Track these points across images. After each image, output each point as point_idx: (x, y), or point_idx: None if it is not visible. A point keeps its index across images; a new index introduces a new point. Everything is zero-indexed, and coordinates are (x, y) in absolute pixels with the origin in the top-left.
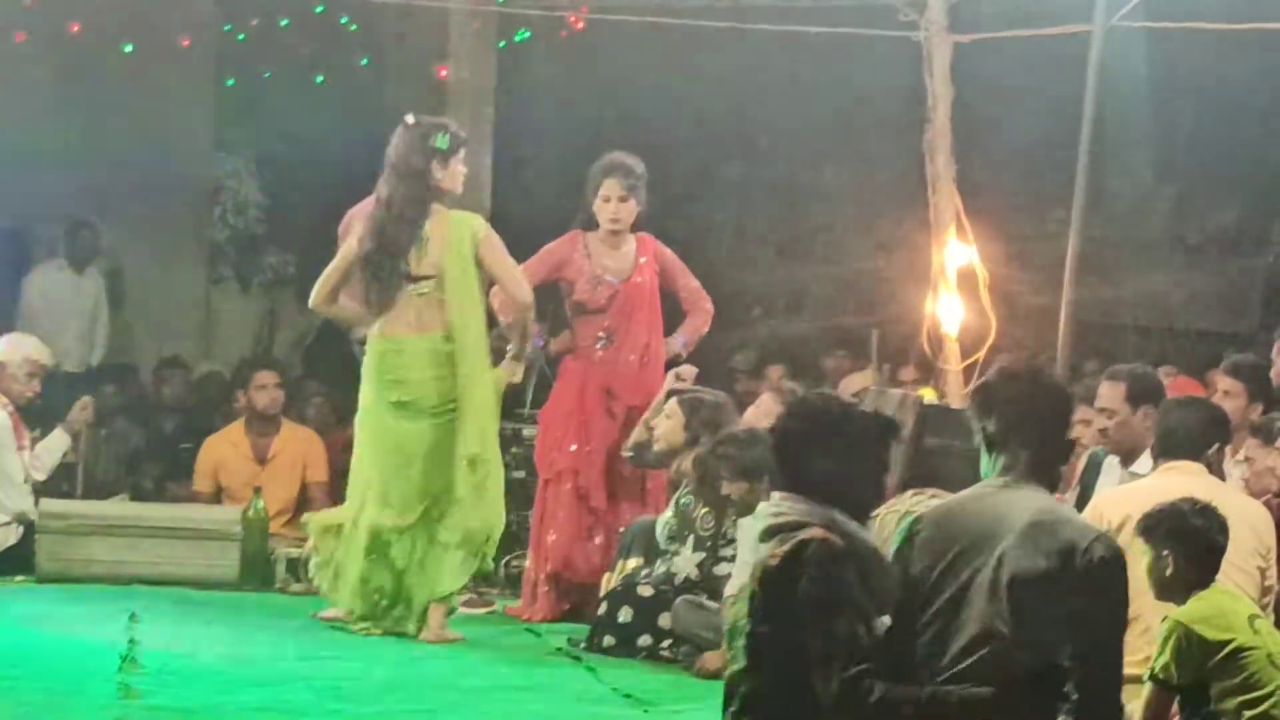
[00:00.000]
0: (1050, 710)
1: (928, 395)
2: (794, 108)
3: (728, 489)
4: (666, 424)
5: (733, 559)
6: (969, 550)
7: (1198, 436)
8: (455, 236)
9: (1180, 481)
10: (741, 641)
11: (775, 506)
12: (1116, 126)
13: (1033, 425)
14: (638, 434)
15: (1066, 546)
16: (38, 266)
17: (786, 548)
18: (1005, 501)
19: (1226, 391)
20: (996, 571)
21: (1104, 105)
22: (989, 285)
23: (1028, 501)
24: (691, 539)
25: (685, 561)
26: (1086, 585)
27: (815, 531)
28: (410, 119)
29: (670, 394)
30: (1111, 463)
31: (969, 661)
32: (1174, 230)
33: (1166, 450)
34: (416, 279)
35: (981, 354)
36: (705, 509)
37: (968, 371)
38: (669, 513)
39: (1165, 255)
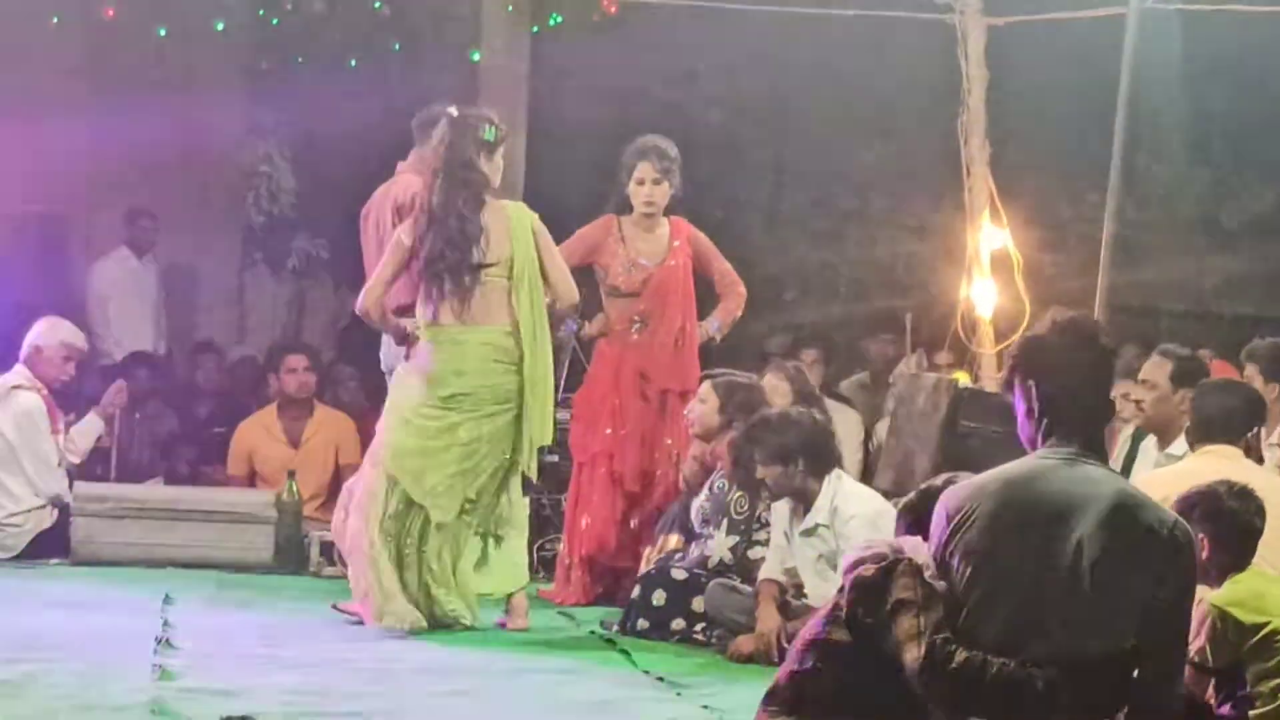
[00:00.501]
0: (1119, 694)
1: (962, 379)
2: (828, 91)
3: (761, 472)
4: (701, 408)
5: (766, 543)
6: (1042, 528)
7: (1235, 420)
8: (518, 227)
9: (1216, 464)
10: None
11: None
12: (1151, 109)
13: (1089, 392)
14: (689, 469)
15: (1149, 531)
16: (104, 257)
17: None
18: (1080, 479)
19: (1246, 378)
20: (1077, 553)
21: (1139, 88)
22: (1023, 269)
23: (1107, 483)
24: (725, 522)
25: (719, 545)
26: (1166, 569)
27: None
28: (454, 111)
29: (704, 378)
30: (1148, 445)
31: (1040, 640)
32: (1209, 213)
33: (1204, 434)
34: (483, 268)
35: (1015, 338)
36: (739, 492)
37: (1001, 355)
38: (703, 495)
39: (1201, 238)
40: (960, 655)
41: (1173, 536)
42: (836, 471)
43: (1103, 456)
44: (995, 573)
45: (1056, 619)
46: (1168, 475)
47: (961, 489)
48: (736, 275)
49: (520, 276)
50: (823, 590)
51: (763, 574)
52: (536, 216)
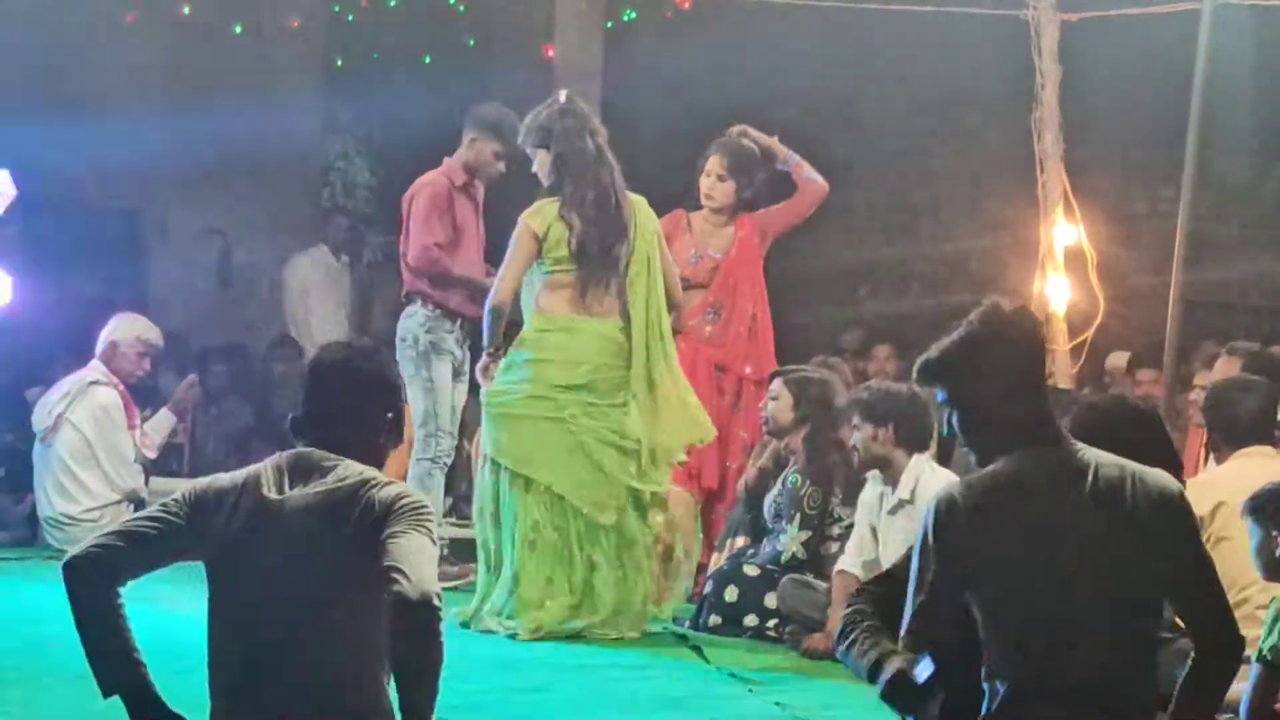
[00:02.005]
0: (1155, 665)
1: None
2: (901, 87)
3: (852, 435)
4: (775, 404)
5: (838, 538)
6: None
7: (1261, 419)
8: (644, 220)
9: (1265, 465)
10: None
11: None
12: (1225, 105)
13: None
14: (749, 476)
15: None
16: (302, 254)
17: None
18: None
19: None
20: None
21: (1213, 84)
22: (1097, 264)
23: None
24: (798, 517)
25: (792, 540)
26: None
27: None
28: (564, 97)
29: (773, 375)
30: None
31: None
32: None
33: (1233, 437)
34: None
35: (1089, 333)
36: (812, 487)
37: (1075, 351)
38: (775, 490)
39: (1276, 234)
40: None
41: (1165, 500)
42: (927, 456)
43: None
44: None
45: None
46: (1216, 478)
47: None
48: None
49: (639, 271)
50: None
51: (839, 566)
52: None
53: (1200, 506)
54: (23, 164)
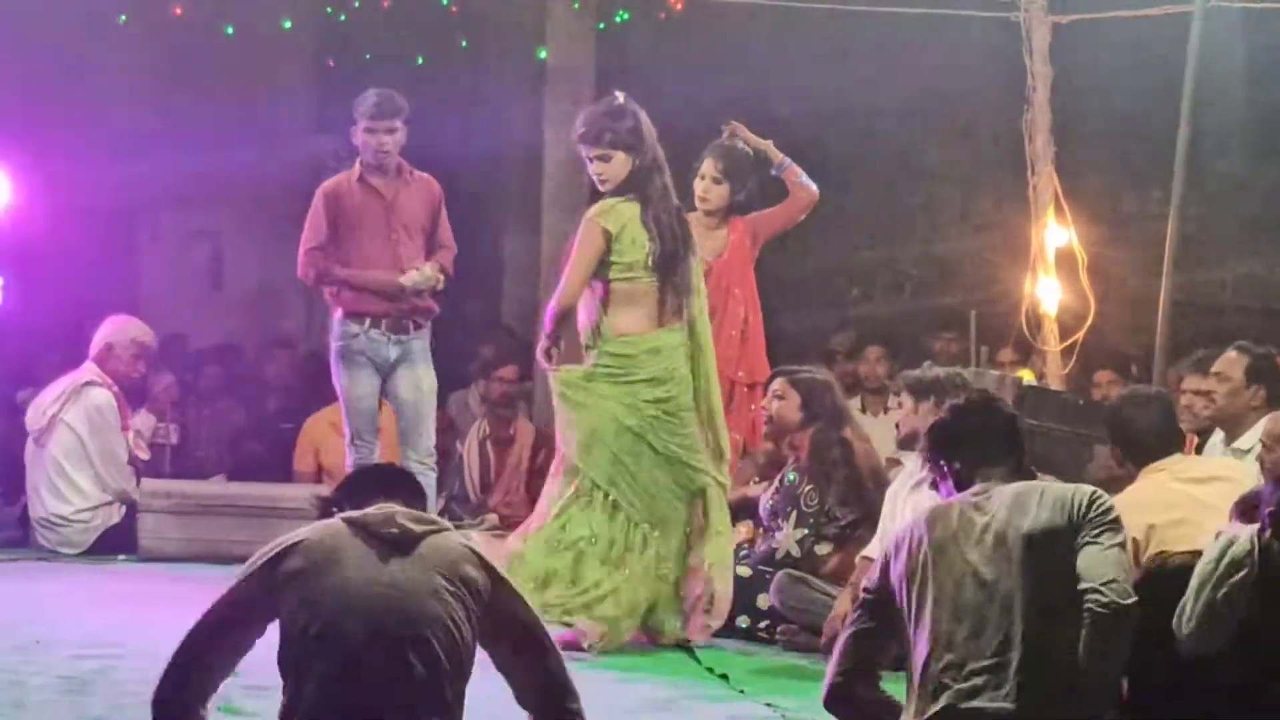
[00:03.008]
0: None
1: (1026, 377)
2: (892, 88)
3: (899, 404)
4: (781, 404)
5: (833, 538)
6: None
7: (1162, 433)
8: (691, 230)
9: (1176, 480)
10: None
11: None
12: (1216, 107)
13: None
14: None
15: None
16: None
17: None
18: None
19: None
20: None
21: (1203, 84)
22: (1088, 266)
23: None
24: (795, 515)
25: (787, 537)
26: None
27: None
28: (623, 98)
29: (774, 376)
30: (1215, 441)
31: None
32: (1275, 211)
33: (1139, 454)
34: None
35: (1080, 335)
36: (810, 485)
37: (1067, 352)
38: (771, 489)
39: (1266, 236)
40: None
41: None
42: None
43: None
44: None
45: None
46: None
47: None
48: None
49: (698, 281)
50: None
51: (863, 552)
52: None
53: (1134, 529)
54: (14, 165)
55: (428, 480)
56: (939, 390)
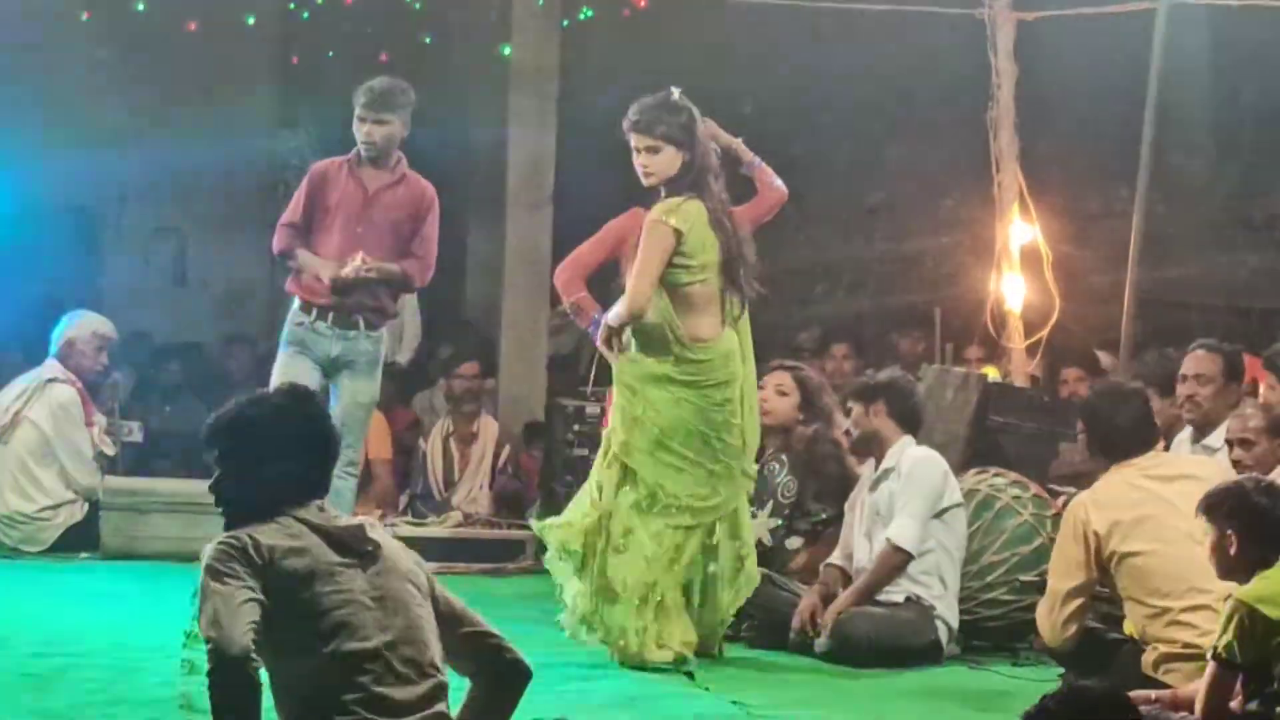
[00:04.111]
0: None
1: (991, 374)
2: (858, 85)
3: (849, 409)
4: (784, 400)
5: (804, 533)
6: None
7: (1138, 430)
8: None
9: (1145, 479)
10: None
11: None
12: (1180, 104)
13: None
14: None
15: None
16: None
17: None
18: None
19: (1271, 386)
20: None
21: (1168, 82)
22: (1053, 263)
23: None
24: (770, 504)
25: (760, 524)
26: None
27: None
28: (678, 94)
29: (774, 368)
30: (1182, 438)
31: None
32: (1238, 208)
33: (1113, 449)
34: None
35: (1045, 332)
36: (789, 478)
37: (1031, 349)
38: None
39: (1230, 233)
40: None
41: None
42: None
43: None
44: None
45: None
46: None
47: None
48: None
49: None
50: (866, 552)
51: (829, 561)
52: None
53: (1095, 523)
54: None
55: (347, 485)
56: (888, 391)
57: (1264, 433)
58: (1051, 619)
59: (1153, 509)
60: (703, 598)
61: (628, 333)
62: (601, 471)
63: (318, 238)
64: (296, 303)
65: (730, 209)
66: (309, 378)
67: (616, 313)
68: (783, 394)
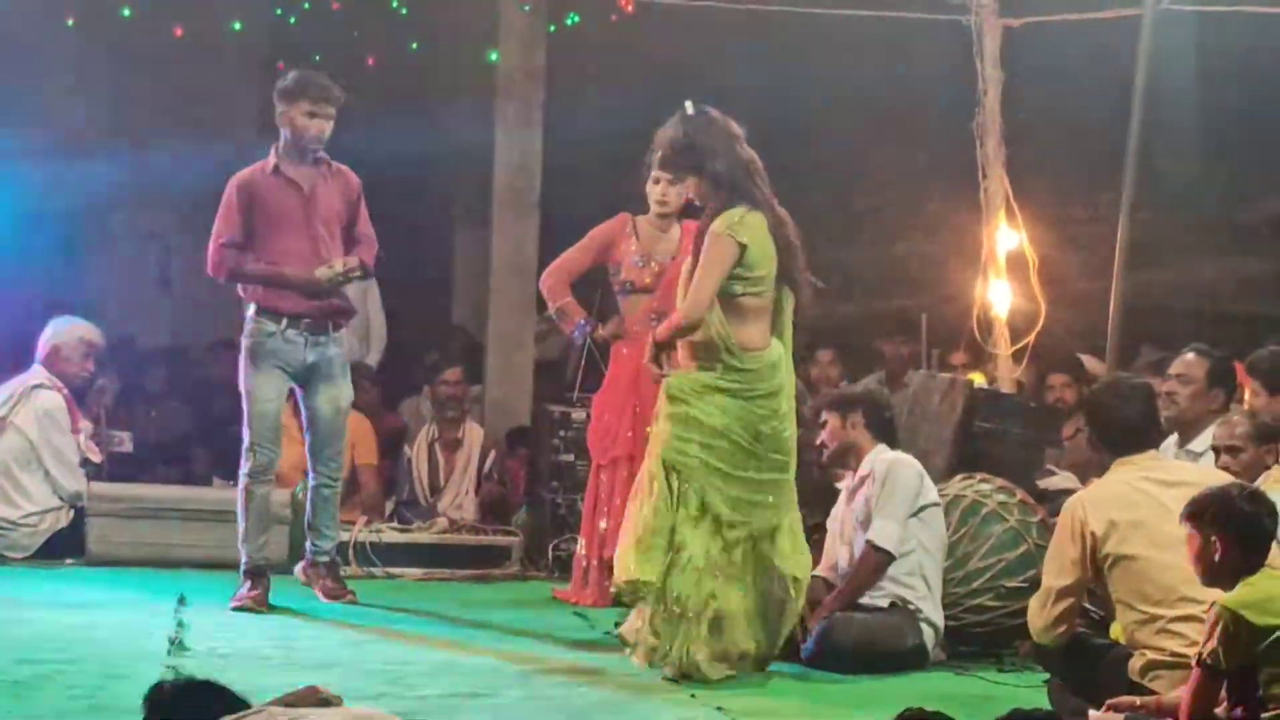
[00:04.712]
0: None
1: (977, 379)
2: (844, 91)
3: (823, 422)
4: None
5: None
6: None
7: (1142, 426)
8: None
9: (1148, 477)
10: None
11: None
12: (1167, 110)
13: None
14: None
15: None
16: None
17: None
18: None
19: (1256, 393)
20: None
21: (1154, 88)
22: (1039, 269)
23: None
24: None
25: None
26: None
27: None
28: (691, 107)
29: None
30: (1168, 443)
31: None
32: (1225, 214)
33: (1116, 444)
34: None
35: (1031, 338)
36: None
37: (1017, 355)
38: None
39: (1217, 239)
40: None
41: None
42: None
43: None
44: None
45: None
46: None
47: None
48: None
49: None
50: (847, 560)
51: (814, 572)
52: None
53: (1093, 523)
54: None
55: (333, 491)
56: (865, 403)
57: (1250, 439)
58: (1043, 616)
59: (1149, 513)
60: (762, 614)
61: (679, 348)
62: (648, 496)
63: (269, 249)
64: (256, 311)
65: (781, 211)
66: (281, 389)
67: (671, 324)
68: None
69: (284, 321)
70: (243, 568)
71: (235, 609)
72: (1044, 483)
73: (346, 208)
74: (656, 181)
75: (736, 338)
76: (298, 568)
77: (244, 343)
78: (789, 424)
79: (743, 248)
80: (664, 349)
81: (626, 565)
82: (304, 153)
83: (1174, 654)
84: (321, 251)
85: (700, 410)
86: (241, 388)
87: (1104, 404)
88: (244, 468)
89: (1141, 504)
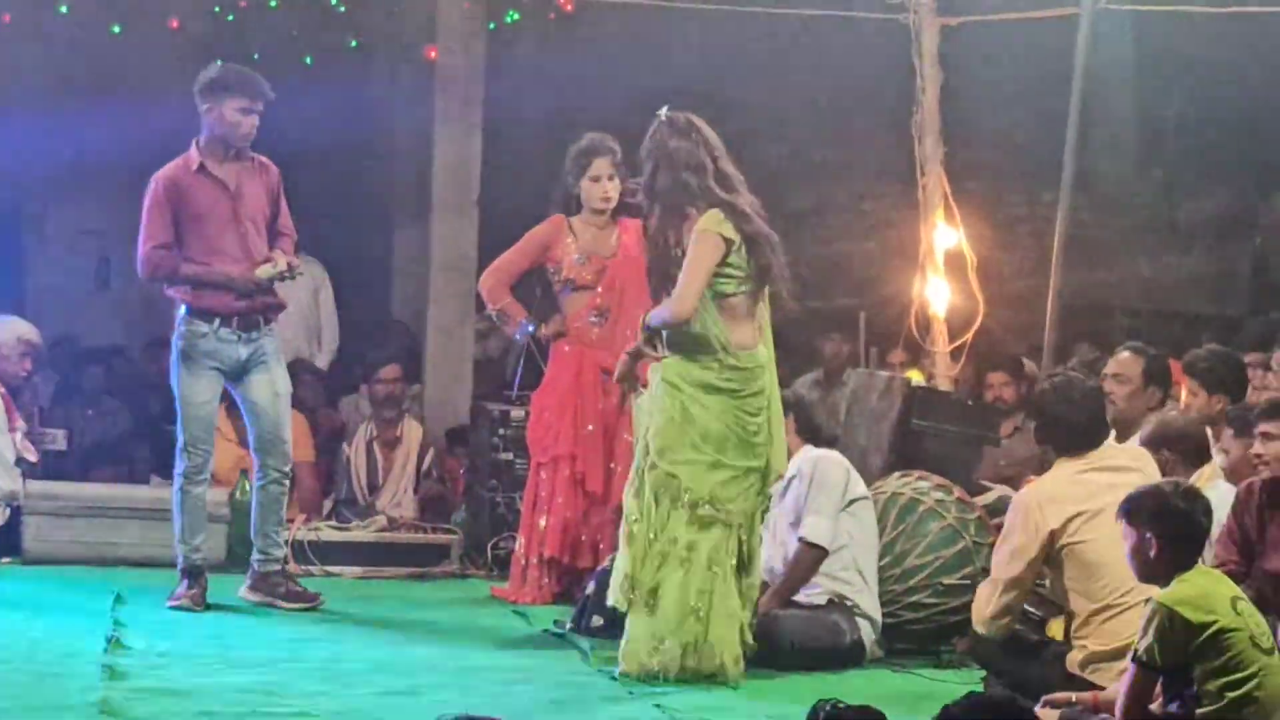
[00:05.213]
0: None
1: (915, 377)
2: (783, 89)
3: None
4: None
5: None
6: None
7: (1090, 423)
8: None
9: (1094, 472)
10: None
11: None
12: (1105, 109)
13: None
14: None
15: None
16: None
17: None
18: None
19: (1194, 393)
20: None
21: (1092, 88)
22: (977, 267)
23: None
24: None
25: None
26: None
27: None
28: (664, 114)
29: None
30: (1108, 442)
31: None
32: (1162, 213)
33: (1063, 441)
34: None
35: (969, 336)
36: None
37: (955, 353)
38: None
39: (1153, 238)
40: None
41: None
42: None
43: None
44: None
45: None
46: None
47: None
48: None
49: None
50: (781, 560)
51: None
52: None
53: (1051, 520)
54: None
55: (282, 489)
56: (797, 408)
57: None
58: (989, 605)
59: (1102, 502)
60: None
61: (665, 336)
62: (633, 498)
63: (194, 248)
64: (187, 312)
65: (764, 216)
66: (215, 389)
67: (660, 317)
68: None
69: (216, 321)
70: (180, 567)
71: (172, 608)
72: (980, 499)
73: (270, 202)
74: (597, 179)
75: (729, 335)
76: (243, 590)
77: (176, 344)
78: (766, 422)
79: (728, 243)
80: (656, 335)
81: (634, 573)
82: (228, 148)
83: (1128, 638)
84: (250, 248)
85: (696, 401)
86: (175, 389)
87: (1052, 407)
88: (179, 468)
89: (1097, 495)
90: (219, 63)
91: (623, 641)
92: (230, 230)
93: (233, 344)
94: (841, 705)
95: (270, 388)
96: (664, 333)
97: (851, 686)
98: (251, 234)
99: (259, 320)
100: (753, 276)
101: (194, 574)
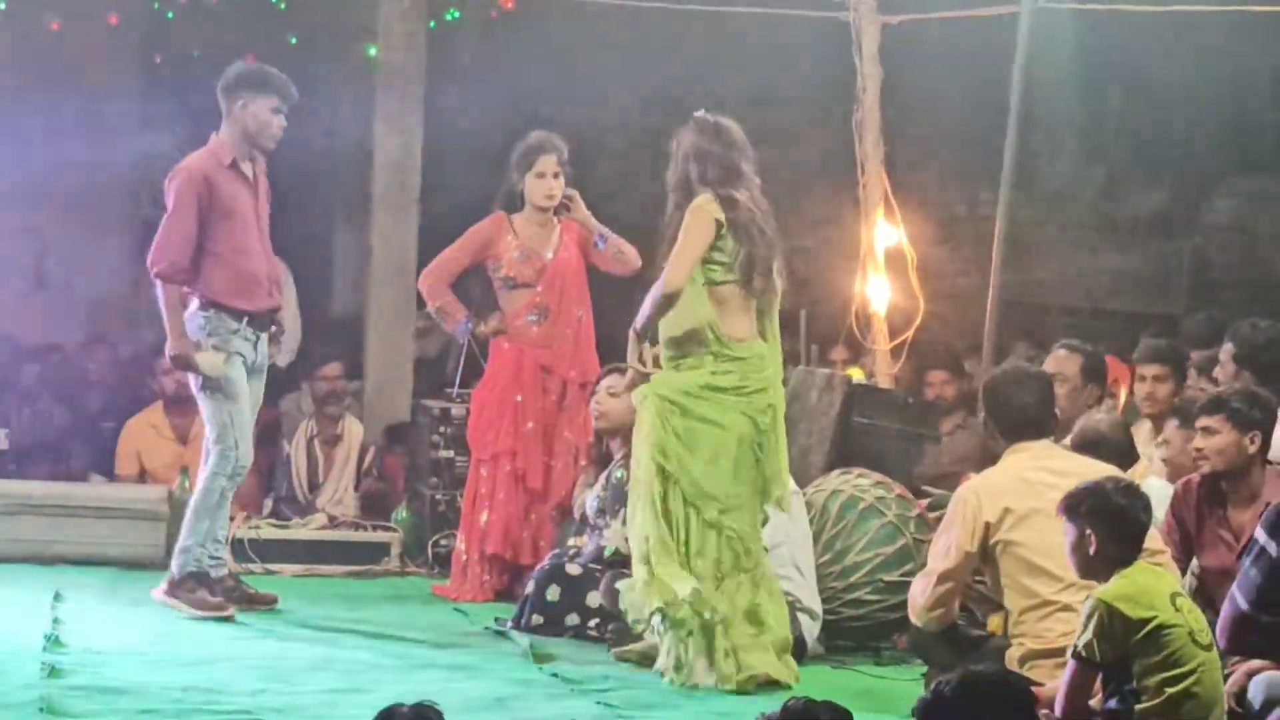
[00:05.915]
0: None
1: (856, 375)
2: (723, 87)
3: None
4: (614, 401)
5: None
6: None
7: (1037, 413)
8: None
9: (1039, 463)
10: None
11: None
12: (1044, 108)
13: None
14: (579, 493)
15: None
16: None
17: None
18: None
19: (1157, 377)
20: None
21: (1032, 86)
22: (917, 265)
23: None
24: (623, 513)
25: (614, 535)
26: None
27: None
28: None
29: (609, 371)
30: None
31: None
32: (1102, 212)
33: (1011, 430)
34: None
35: (909, 334)
36: None
37: (896, 351)
38: (599, 487)
39: (1093, 236)
40: None
41: None
42: None
43: None
44: None
45: None
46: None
47: None
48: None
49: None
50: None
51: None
52: None
53: (987, 512)
54: None
55: (227, 500)
56: None
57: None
58: (924, 597)
59: (1041, 501)
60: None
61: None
62: (646, 513)
63: (225, 244)
64: (214, 307)
65: (766, 208)
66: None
67: (651, 296)
68: (613, 395)
69: (245, 319)
70: (190, 571)
71: (202, 617)
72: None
73: (270, 206)
74: (542, 176)
75: (721, 324)
76: (187, 606)
77: (205, 341)
78: (772, 424)
79: (719, 224)
80: (643, 338)
81: (663, 587)
82: (254, 146)
83: (1061, 636)
84: (267, 248)
85: (703, 417)
86: (212, 386)
87: (1002, 392)
88: (220, 467)
89: (1035, 492)
90: (239, 62)
91: (717, 659)
92: (254, 228)
93: (252, 344)
94: (814, 702)
95: (256, 399)
96: (654, 333)
97: None
98: (265, 233)
99: (269, 323)
100: (740, 265)
101: (207, 578)
